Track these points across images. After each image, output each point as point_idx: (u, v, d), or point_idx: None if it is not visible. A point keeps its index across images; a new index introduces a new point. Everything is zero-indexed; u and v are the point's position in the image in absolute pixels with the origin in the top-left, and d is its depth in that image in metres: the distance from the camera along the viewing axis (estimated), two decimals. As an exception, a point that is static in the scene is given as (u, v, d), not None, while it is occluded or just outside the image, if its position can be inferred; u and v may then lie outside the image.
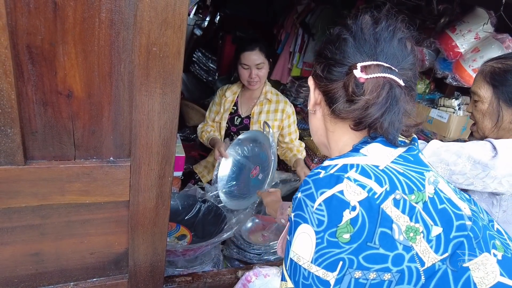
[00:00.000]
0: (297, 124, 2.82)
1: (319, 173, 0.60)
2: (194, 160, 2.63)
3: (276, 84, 3.26)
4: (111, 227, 0.92)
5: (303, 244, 0.57)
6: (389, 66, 0.63)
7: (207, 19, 5.29)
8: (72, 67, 0.73)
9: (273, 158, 1.81)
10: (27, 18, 0.66)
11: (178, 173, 2.08)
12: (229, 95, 2.15)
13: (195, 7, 5.90)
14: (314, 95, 0.73)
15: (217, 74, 4.05)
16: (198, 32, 5.41)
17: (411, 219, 0.56)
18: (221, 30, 4.16)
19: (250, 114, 2.08)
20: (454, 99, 2.13)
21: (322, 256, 0.55)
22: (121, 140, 0.84)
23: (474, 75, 1.85)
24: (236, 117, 2.12)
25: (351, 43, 0.65)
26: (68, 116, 0.77)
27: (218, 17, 4.86)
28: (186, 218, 1.66)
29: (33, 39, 0.68)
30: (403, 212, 0.56)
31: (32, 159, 0.78)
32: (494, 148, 1.26)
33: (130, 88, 0.79)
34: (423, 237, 0.56)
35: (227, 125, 2.15)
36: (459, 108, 2.11)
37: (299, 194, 0.60)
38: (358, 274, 0.54)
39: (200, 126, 2.26)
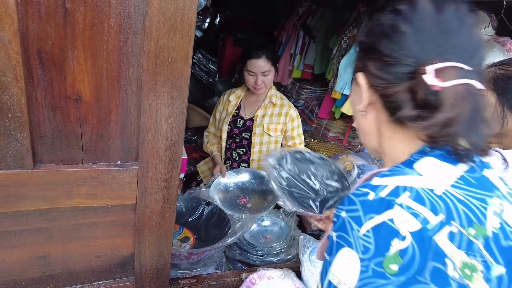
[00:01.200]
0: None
1: (367, 193, 0.54)
2: (196, 162, 2.64)
3: (277, 86, 3.27)
4: (117, 230, 0.93)
5: (346, 270, 0.52)
6: (469, 68, 0.53)
7: (207, 20, 5.30)
8: (81, 72, 0.73)
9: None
10: (38, 24, 0.67)
11: (181, 175, 2.09)
12: (232, 99, 2.16)
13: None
14: (367, 95, 0.63)
15: (217, 75, 4.06)
16: (198, 33, 5.41)
17: (468, 255, 0.50)
18: (222, 31, 4.17)
19: (253, 117, 2.09)
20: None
21: (366, 285, 0.50)
22: (129, 144, 0.85)
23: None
24: (239, 119, 2.13)
25: (411, 37, 0.55)
26: (77, 120, 0.78)
27: (219, 18, 4.87)
28: (189, 220, 1.67)
29: (43, 44, 0.68)
30: (459, 247, 0.50)
31: (41, 163, 0.79)
32: (504, 159, 1.26)
33: (138, 92, 0.80)
34: (482, 276, 0.50)
35: (229, 128, 2.16)
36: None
37: (343, 213, 0.54)
38: None
39: (205, 133, 2.31)
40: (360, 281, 0.50)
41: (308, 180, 1.17)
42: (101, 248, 0.94)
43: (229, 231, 1.51)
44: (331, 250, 0.55)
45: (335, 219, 0.56)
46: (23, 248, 0.85)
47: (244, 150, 2.16)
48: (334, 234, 0.55)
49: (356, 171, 2.12)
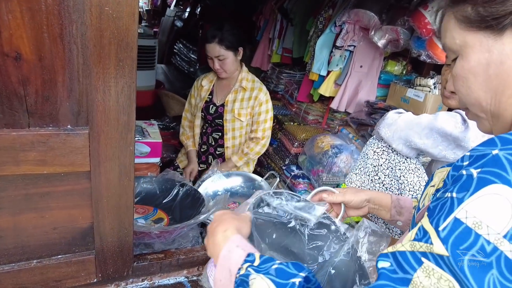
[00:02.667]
0: (278, 111, 2.83)
1: None
2: (175, 149, 2.60)
3: (257, 71, 3.24)
4: (73, 200, 0.90)
5: (495, 210, 0.43)
6: None
7: (188, 10, 5.23)
8: (18, 27, 0.70)
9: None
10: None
11: (156, 159, 2.06)
12: (205, 83, 2.13)
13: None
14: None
15: (198, 64, 4.01)
16: (179, 23, 5.34)
17: None
18: (202, 20, 4.12)
19: (224, 102, 2.06)
20: (429, 78, 2.14)
21: None
22: (78, 107, 0.81)
23: (447, 52, 1.87)
24: (211, 106, 2.10)
25: None
26: (18, 80, 0.74)
27: (199, 8, 4.81)
28: (163, 202, 1.64)
29: (-28, -6, 0.65)
30: None
31: (-19, 127, 0.75)
32: (464, 120, 1.28)
33: (84, 51, 0.76)
34: None
35: (202, 114, 2.14)
36: (434, 87, 2.13)
37: (495, 151, 0.46)
38: None
39: (182, 121, 2.29)
40: None
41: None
42: (57, 219, 0.90)
43: (203, 210, 1.49)
44: (467, 186, 0.46)
45: (469, 160, 0.49)
46: (-30, 219, 0.82)
47: (220, 134, 2.14)
48: (474, 171, 0.46)
49: (332, 150, 2.12)
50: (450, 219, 0.45)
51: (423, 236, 0.47)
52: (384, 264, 0.48)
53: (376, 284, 0.47)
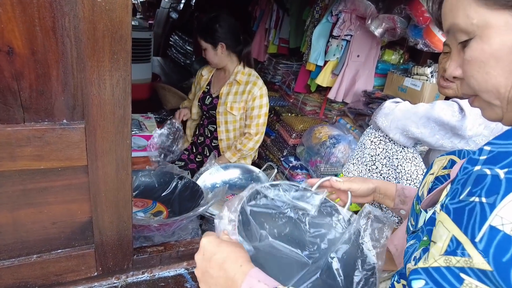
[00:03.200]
0: (275, 103, 2.82)
1: None
2: (172, 141, 2.60)
3: (254, 63, 3.22)
4: (71, 195, 0.90)
5: None
6: None
7: (183, 1, 5.17)
8: (9, 21, 0.68)
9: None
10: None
11: (154, 153, 2.06)
12: (205, 73, 2.16)
13: (170, -10, 5.74)
14: None
15: (194, 56, 3.98)
16: (174, 15, 5.28)
17: None
18: (197, 11, 4.07)
19: (219, 94, 2.05)
20: (426, 67, 2.14)
21: None
22: (73, 101, 0.81)
23: (444, 40, 1.86)
24: (207, 97, 2.11)
25: None
26: (11, 75, 0.73)
27: (194, -1, 4.75)
28: (162, 195, 1.64)
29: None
30: None
31: (-24, 123, 0.74)
32: (461, 109, 1.28)
33: (77, 44, 0.75)
34: None
35: (199, 104, 2.14)
36: (432, 76, 2.12)
37: None
38: None
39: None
40: None
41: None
42: (55, 214, 0.91)
43: (202, 202, 1.49)
44: (496, 188, 0.43)
45: (488, 155, 0.46)
46: (-32, 216, 0.82)
47: (215, 126, 2.14)
48: (500, 171, 0.43)
49: (330, 141, 2.12)
50: (485, 227, 0.41)
51: (456, 247, 0.43)
52: (419, 284, 0.45)
53: None
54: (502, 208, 0.40)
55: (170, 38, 5.00)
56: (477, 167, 0.45)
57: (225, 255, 0.61)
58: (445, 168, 0.81)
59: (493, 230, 0.40)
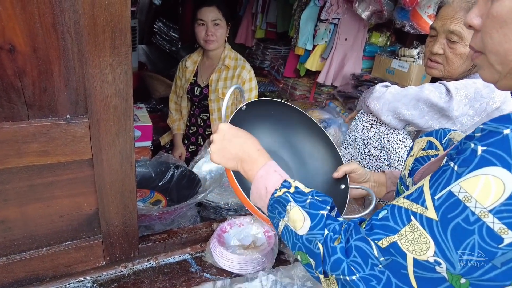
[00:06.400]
0: (265, 88, 2.84)
1: None
2: (163, 131, 2.60)
3: (241, 48, 3.21)
4: (78, 188, 0.92)
5: (486, 190, 0.45)
6: None
7: (165, -14, 5.05)
8: (10, 19, 0.69)
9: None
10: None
11: (148, 143, 2.06)
12: (189, 64, 2.11)
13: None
14: None
15: (180, 43, 3.92)
16: (157, 1, 5.16)
17: None
18: (180, -4, 4.00)
19: (208, 83, 2.05)
20: (413, 49, 2.19)
21: (510, 212, 0.44)
22: (76, 96, 0.82)
23: (430, 22, 1.90)
24: (196, 88, 2.09)
25: None
26: (14, 73, 0.73)
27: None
28: (160, 184, 1.67)
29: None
30: None
31: (-19, 122, 0.75)
32: (448, 91, 1.33)
33: (78, 39, 0.76)
34: None
35: (188, 96, 2.13)
36: (418, 57, 2.17)
37: (506, 130, 0.46)
38: None
39: (169, 105, 2.27)
40: (504, 205, 0.44)
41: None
42: (62, 208, 0.92)
43: (200, 189, 1.53)
44: (468, 162, 0.48)
45: (481, 133, 0.49)
46: (-23, 213, 0.83)
47: (208, 115, 2.15)
48: (480, 148, 0.48)
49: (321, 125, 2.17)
50: (445, 191, 0.50)
51: (419, 196, 0.53)
52: (383, 212, 0.58)
53: (372, 223, 0.58)
54: (465, 180, 0.48)
55: (154, 25, 4.91)
56: (472, 143, 0.50)
57: (243, 140, 0.79)
58: (423, 149, 0.87)
59: (450, 194, 0.49)
